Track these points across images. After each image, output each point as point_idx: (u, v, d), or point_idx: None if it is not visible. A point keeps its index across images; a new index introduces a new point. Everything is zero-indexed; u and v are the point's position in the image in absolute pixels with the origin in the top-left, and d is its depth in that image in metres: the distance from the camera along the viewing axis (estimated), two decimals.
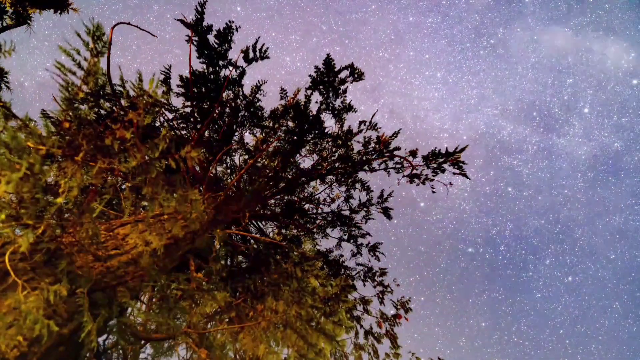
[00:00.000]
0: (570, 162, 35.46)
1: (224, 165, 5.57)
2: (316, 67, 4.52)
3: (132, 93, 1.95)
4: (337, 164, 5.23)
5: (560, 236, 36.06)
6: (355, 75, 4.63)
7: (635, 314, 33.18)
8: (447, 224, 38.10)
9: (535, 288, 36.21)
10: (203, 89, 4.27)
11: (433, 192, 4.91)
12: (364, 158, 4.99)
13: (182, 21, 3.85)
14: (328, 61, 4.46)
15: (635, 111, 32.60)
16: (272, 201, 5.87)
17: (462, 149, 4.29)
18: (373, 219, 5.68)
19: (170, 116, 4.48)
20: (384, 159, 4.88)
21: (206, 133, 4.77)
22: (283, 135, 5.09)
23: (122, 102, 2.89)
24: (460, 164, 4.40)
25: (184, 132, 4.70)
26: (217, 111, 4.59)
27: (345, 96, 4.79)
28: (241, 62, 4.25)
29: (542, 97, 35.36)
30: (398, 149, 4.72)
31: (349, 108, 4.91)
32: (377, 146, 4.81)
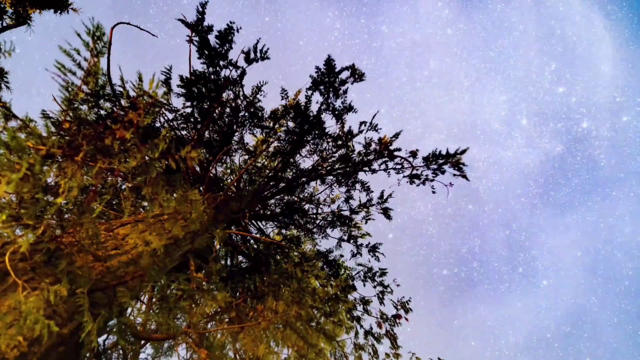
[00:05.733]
0: (520, 172, 38.01)
1: (224, 165, 5.57)
2: (317, 68, 4.52)
3: (132, 93, 1.95)
4: (337, 165, 5.23)
5: (527, 243, 38.02)
6: (356, 76, 4.63)
7: (612, 305, 34.42)
8: (418, 251, 39.94)
9: (514, 298, 37.69)
10: (203, 89, 4.27)
11: (433, 192, 4.91)
12: (365, 159, 4.99)
13: (182, 21, 3.85)
14: (329, 61, 4.46)
15: (568, 115, 35.76)
16: (272, 201, 5.87)
17: (463, 151, 4.29)
18: (373, 219, 5.67)
19: (171, 116, 4.48)
20: (384, 159, 4.88)
21: (206, 133, 4.77)
22: (283, 135, 5.09)
23: (122, 102, 2.89)
24: (461, 166, 4.39)
25: (184, 132, 4.70)
26: (217, 111, 4.59)
27: (346, 97, 4.79)
28: (241, 63, 4.26)
29: (482, 116, 38.63)
30: (398, 149, 4.72)
31: (350, 108, 4.91)
32: (378, 147, 4.81)
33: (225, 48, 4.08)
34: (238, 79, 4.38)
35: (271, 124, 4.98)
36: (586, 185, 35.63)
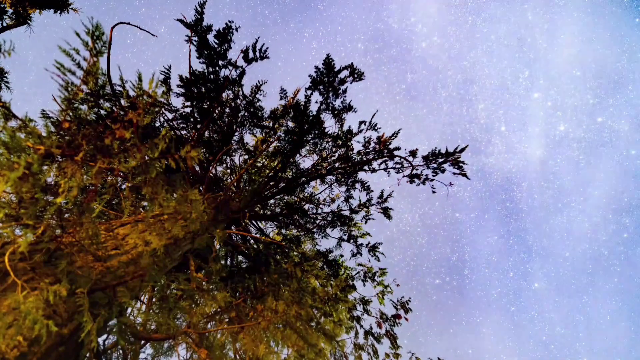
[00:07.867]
0: (503, 177, 38.59)
1: (224, 165, 5.57)
2: (316, 67, 4.51)
3: (131, 93, 1.95)
4: (337, 164, 5.23)
5: (515, 247, 38.51)
6: (355, 75, 4.63)
7: (604, 303, 34.77)
8: (409, 262, 40.24)
9: (507, 302, 38.07)
10: (203, 89, 4.27)
11: (433, 192, 4.91)
12: (364, 158, 4.99)
13: (182, 21, 3.85)
14: (328, 61, 4.46)
15: (545, 119, 36.78)
16: (272, 201, 5.87)
17: (462, 149, 4.29)
18: (373, 219, 5.67)
19: (170, 116, 4.48)
20: (384, 159, 4.88)
21: (206, 133, 4.77)
22: (283, 135, 5.08)
23: (122, 102, 2.89)
24: (461, 164, 4.39)
25: (184, 132, 4.70)
26: (217, 111, 4.58)
27: (345, 96, 4.79)
28: (241, 62, 4.25)
29: (462, 125, 39.63)
30: (398, 149, 4.72)
31: (349, 108, 4.91)
32: (377, 146, 4.81)
33: (225, 47, 4.08)
34: (237, 78, 4.38)
35: (271, 124, 4.98)
36: (568, 187, 36.53)
